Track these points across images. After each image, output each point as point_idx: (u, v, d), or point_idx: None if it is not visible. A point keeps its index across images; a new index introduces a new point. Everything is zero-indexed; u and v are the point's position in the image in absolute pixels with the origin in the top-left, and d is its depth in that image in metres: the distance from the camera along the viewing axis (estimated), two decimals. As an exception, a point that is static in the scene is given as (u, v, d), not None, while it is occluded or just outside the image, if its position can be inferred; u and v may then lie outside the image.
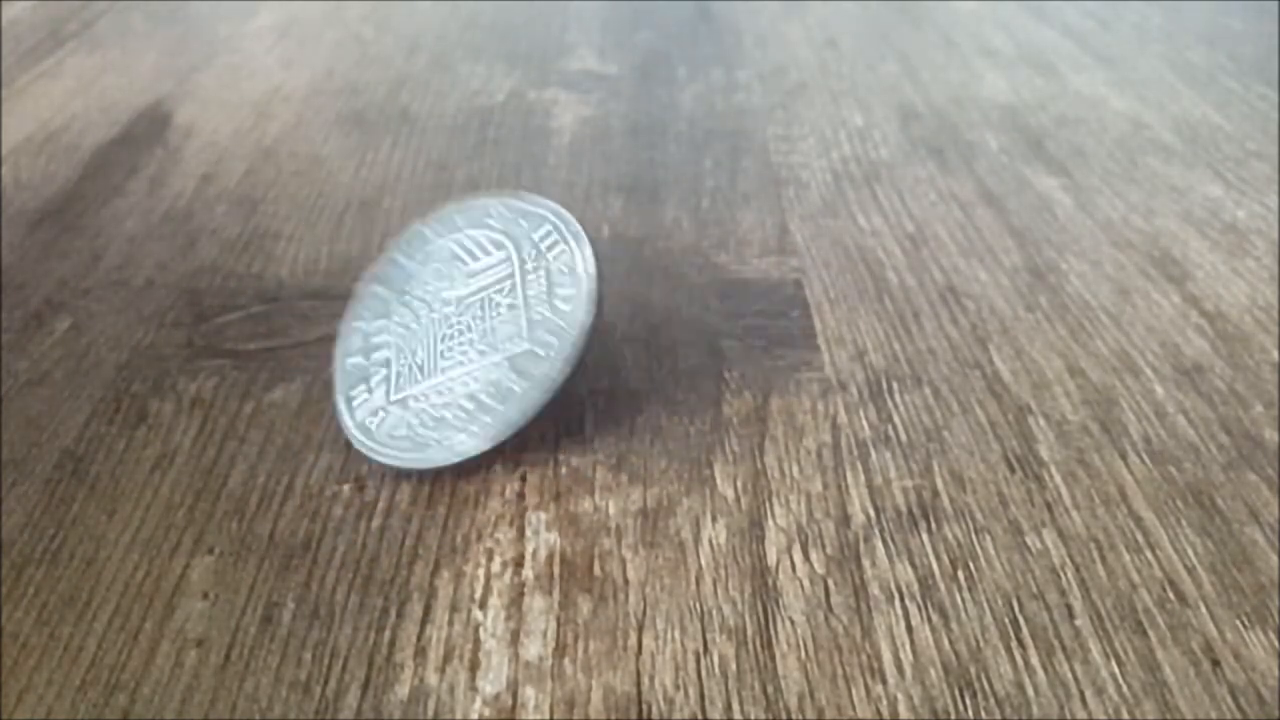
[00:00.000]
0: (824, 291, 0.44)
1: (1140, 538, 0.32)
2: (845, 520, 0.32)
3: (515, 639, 0.29)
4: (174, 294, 0.44)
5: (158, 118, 0.60)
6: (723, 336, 0.41)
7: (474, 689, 0.27)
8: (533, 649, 0.28)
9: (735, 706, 0.27)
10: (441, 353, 0.36)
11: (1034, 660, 0.28)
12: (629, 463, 0.35)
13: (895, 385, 0.38)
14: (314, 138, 0.58)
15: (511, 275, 0.37)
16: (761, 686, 0.27)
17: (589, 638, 0.29)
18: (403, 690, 0.27)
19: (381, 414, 0.35)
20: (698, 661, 0.28)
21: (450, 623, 0.29)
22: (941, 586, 0.30)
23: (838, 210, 0.50)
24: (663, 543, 0.32)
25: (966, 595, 0.30)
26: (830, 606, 0.29)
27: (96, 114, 0.61)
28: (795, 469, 0.34)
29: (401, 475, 0.34)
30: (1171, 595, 0.30)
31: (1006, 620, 0.29)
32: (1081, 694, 0.27)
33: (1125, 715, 0.27)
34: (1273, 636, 0.29)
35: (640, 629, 0.29)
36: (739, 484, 0.34)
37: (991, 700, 0.27)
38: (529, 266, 0.37)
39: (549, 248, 0.37)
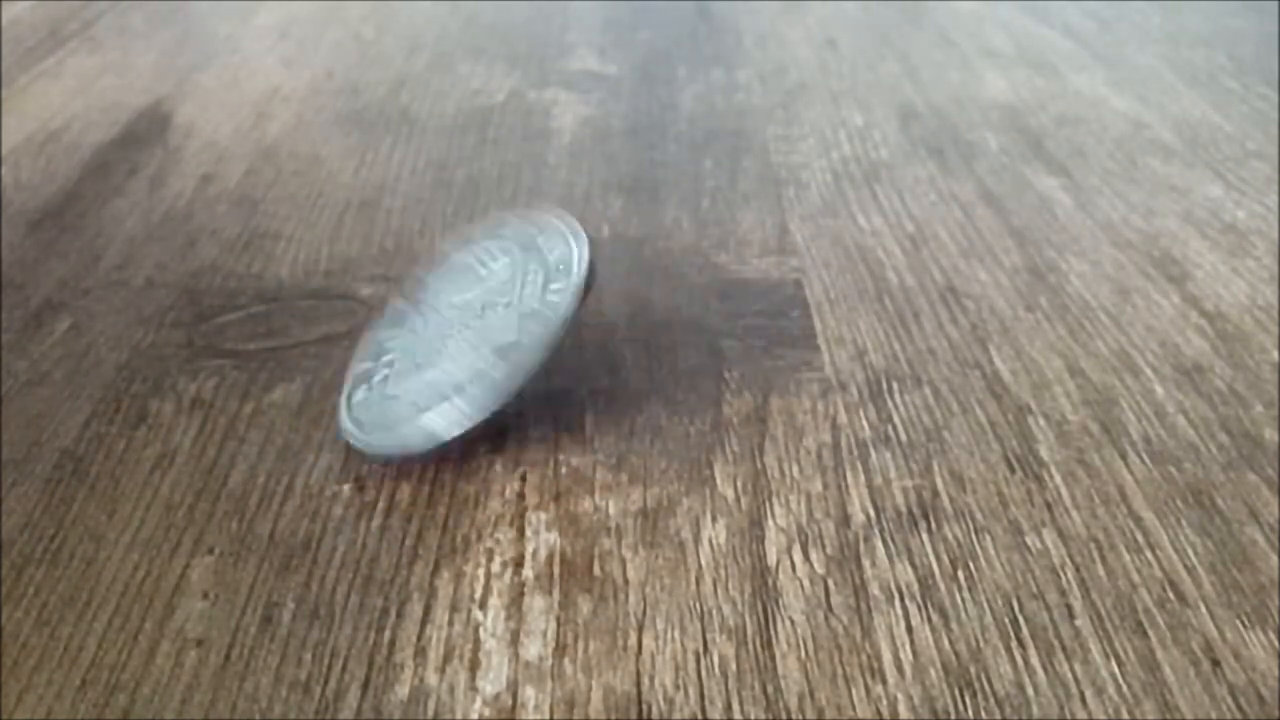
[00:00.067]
0: (824, 291, 0.44)
1: (1140, 538, 0.32)
2: (845, 520, 0.32)
3: (515, 639, 0.29)
4: (174, 294, 0.44)
5: (158, 118, 0.60)
6: (723, 336, 0.41)
7: (474, 689, 0.27)
8: (533, 649, 0.28)
9: (735, 706, 0.27)
10: (438, 350, 0.36)
11: (1034, 660, 0.28)
12: (629, 463, 0.35)
13: (895, 385, 0.38)
14: (314, 138, 0.58)
15: (513, 278, 0.38)
16: (761, 686, 0.27)
17: (589, 638, 0.29)
18: (403, 690, 0.27)
19: (370, 406, 0.35)
20: (698, 661, 0.28)
21: (450, 623, 0.29)
22: (941, 586, 0.30)
23: (838, 210, 0.50)
24: (663, 543, 0.32)
25: (966, 595, 0.30)
26: (830, 606, 0.29)
27: (96, 114, 0.61)
28: (795, 469, 0.34)
29: (401, 475, 0.34)
30: (1171, 595, 0.30)
31: (1006, 620, 0.29)
32: (1081, 694, 0.27)
33: (1125, 715, 0.27)
34: (1273, 636, 0.29)
35: (640, 629, 0.29)
36: (739, 484, 0.34)
37: (991, 700, 0.27)
38: (531, 268, 0.37)
39: (551, 249, 0.37)
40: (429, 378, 0.35)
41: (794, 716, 0.26)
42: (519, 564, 0.31)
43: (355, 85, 0.65)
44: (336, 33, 0.74)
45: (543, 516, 0.33)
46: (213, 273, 0.45)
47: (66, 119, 0.60)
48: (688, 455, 0.35)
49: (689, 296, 0.43)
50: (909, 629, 0.29)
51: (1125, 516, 0.33)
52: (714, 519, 0.32)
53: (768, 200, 0.51)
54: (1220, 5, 0.80)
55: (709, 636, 0.29)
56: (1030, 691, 0.27)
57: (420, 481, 0.34)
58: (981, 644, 0.28)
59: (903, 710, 0.27)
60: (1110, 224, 0.49)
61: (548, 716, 0.26)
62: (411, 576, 0.30)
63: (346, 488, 0.34)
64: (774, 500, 0.33)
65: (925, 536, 0.32)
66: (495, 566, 0.31)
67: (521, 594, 0.30)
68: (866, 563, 0.31)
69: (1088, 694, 0.27)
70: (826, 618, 0.29)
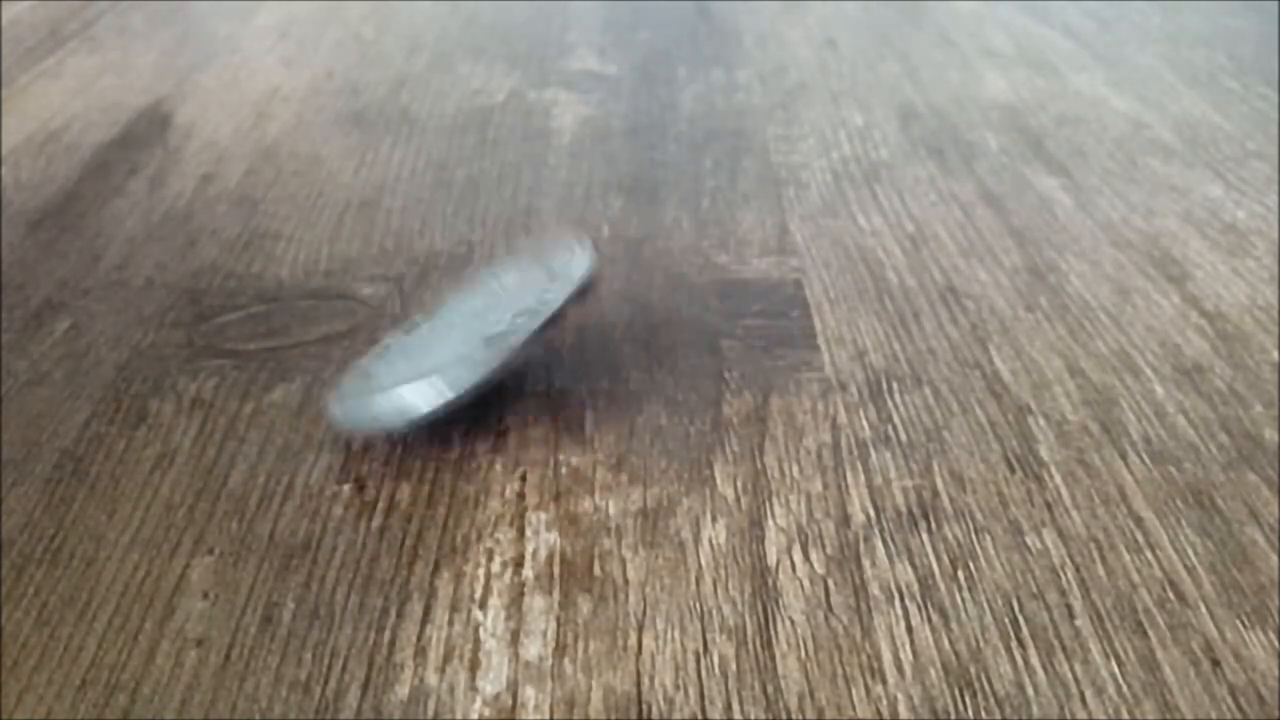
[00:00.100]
0: (824, 291, 0.44)
1: (1140, 538, 0.32)
2: (845, 520, 0.32)
3: (515, 639, 0.29)
4: (174, 294, 0.44)
5: (158, 118, 0.60)
6: (723, 336, 0.41)
7: (474, 689, 0.27)
8: (533, 649, 0.28)
9: (735, 706, 0.27)
10: (432, 342, 0.37)
11: (1034, 660, 0.28)
12: (629, 463, 0.35)
13: (895, 385, 0.38)
14: (314, 138, 0.58)
15: (520, 285, 0.38)
16: (761, 686, 0.27)
17: (589, 638, 0.29)
18: (403, 690, 0.27)
19: (354, 382, 0.36)
20: (698, 661, 0.28)
21: (450, 623, 0.29)
22: (941, 586, 0.30)
23: (838, 210, 0.50)
24: (663, 543, 0.32)
25: (966, 595, 0.30)
26: (830, 606, 0.29)
27: (96, 114, 0.61)
28: (795, 469, 0.34)
29: (401, 475, 0.34)
30: (1171, 595, 0.30)
31: (1006, 620, 0.29)
32: (1081, 694, 0.27)
33: (1125, 715, 0.27)
34: (1273, 636, 0.29)
35: (640, 629, 0.29)
36: (739, 484, 0.34)
37: (991, 700, 0.27)
38: (535, 275, 0.38)
39: (556, 259, 0.39)
40: (415, 361, 0.36)
41: (794, 716, 0.26)
42: (519, 564, 0.31)
43: (355, 85, 0.65)
44: (336, 33, 0.74)
45: (543, 516, 0.33)
46: (213, 273, 0.45)
47: (66, 119, 0.60)
48: (688, 455, 0.35)
49: (689, 296, 0.43)
50: (909, 629, 0.29)
51: (1125, 516, 0.33)
52: (714, 519, 0.32)
53: (768, 200, 0.51)
54: (1220, 5, 0.80)
55: (709, 636, 0.29)
56: (1030, 691, 0.27)
57: (420, 481, 0.34)
58: (981, 644, 0.28)
59: (903, 710, 0.27)
60: (1110, 224, 0.49)
61: (548, 716, 0.26)
62: (411, 576, 0.30)
63: (346, 488, 0.34)
64: (774, 500, 0.33)
65: (925, 536, 0.32)
66: (495, 566, 0.31)
67: (521, 594, 0.30)
68: (866, 563, 0.31)
69: (1088, 694, 0.27)
70: (826, 618, 0.29)
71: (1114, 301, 0.43)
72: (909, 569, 0.31)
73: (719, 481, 0.34)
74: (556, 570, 0.31)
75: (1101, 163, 0.55)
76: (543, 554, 0.31)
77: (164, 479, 0.34)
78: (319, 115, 0.61)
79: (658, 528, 0.32)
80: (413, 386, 0.34)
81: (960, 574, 0.30)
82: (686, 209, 0.50)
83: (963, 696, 0.27)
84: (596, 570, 0.31)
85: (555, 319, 0.36)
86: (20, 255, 0.47)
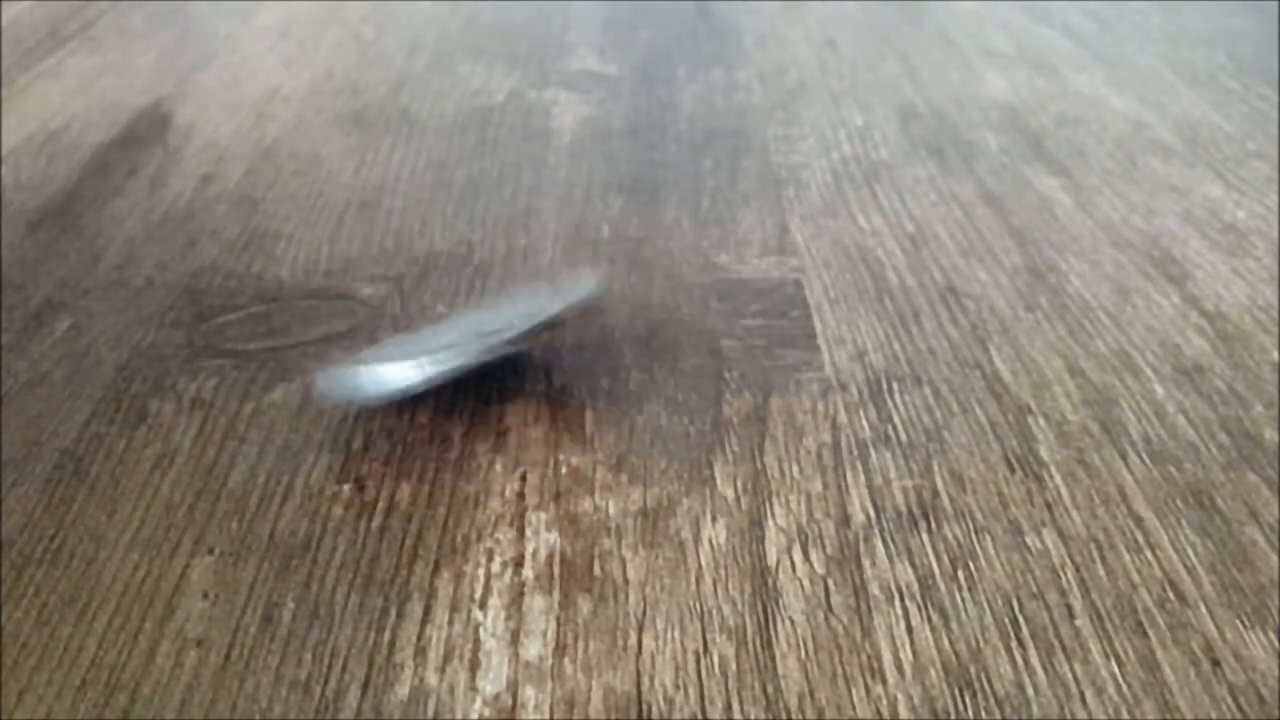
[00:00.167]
0: (824, 291, 0.44)
1: (1140, 538, 0.32)
2: (845, 520, 0.32)
3: (515, 639, 0.29)
4: (174, 294, 0.44)
5: (158, 118, 0.60)
6: (723, 336, 0.41)
7: (474, 689, 0.27)
8: (533, 649, 0.28)
9: (735, 706, 0.27)
10: (429, 336, 0.37)
11: (1034, 660, 0.28)
12: (629, 463, 0.35)
13: (895, 385, 0.38)
14: (314, 138, 0.58)
15: (530, 301, 0.39)
16: (761, 686, 0.27)
17: (589, 638, 0.29)
18: (403, 690, 0.27)
19: (347, 365, 0.36)
20: (698, 661, 0.28)
21: (450, 623, 0.29)
22: (941, 586, 0.30)
23: (838, 210, 0.50)
24: (663, 543, 0.32)
25: (966, 595, 0.30)
26: (830, 606, 0.29)
27: (96, 114, 0.61)
28: (795, 469, 0.34)
29: (401, 475, 0.34)
30: (1171, 595, 0.30)
31: (1006, 620, 0.29)
32: (1081, 694, 0.27)
33: (1125, 715, 0.27)
34: (1273, 636, 0.29)
35: (640, 629, 0.29)
36: (739, 484, 0.34)
37: (991, 700, 0.27)
38: (545, 294, 0.39)
39: (569, 283, 0.40)
40: (406, 348, 0.36)
41: (794, 716, 0.26)
42: (519, 564, 0.31)
43: (355, 85, 0.65)
44: (336, 33, 0.74)
45: (543, 516, 0.33)
46: (213, 273, 0.45)
47: (66, 119, 0.60)
48: (688, 455, 0.35)
49: (689, 296, 0.43)
50: (909, 629, 0.29)
51: (1125, 516, 0.33)
52: (714, 519, 0.32)
53: (768, 200, 0.51)
54: (1220, 5, 0.80)
55: (709, 636, 0.29)
56: (1030, 691, 0.27)
57: (420, 481, 0.34)
58: (981, 644, 0.28)
59: (903, 710, 0.27)
60: (1110, 224, 0.49)
61: (548, 716, 0.26)
62: (411, 576, 0.30)
63: (346, 488, 0.34)
64: (774, 500, 0.33)
65: (925, 536, 0.32)
66: (495, 566, 0.31)
67: (521, 594, 0.30)
68: (866, 563, 0.31)
69: (1088, 694, 0.27)
70: (826, 618, 0.29)
71: (1114, 301, 0.43)
72: (909, 569, 0.31)
73: (719, 481, 0.34)
74: (556, 570, 0.31)
75: (1101, 163, 0.55)
76: (543, 554, 0.31)
77: (164, 479, 0.34)
78: (319, 115, 0.61)
79: (658, 528, 0.32)
80: (396, 365, 0.34)
81: (960, 574, 0.30)
82: (686, 209, 0.50)
83: (963, 696, 0.27)
84: (596, 570, 0.31)
85: (553, 323, 0.36)
86: (20, 255, 0.47)
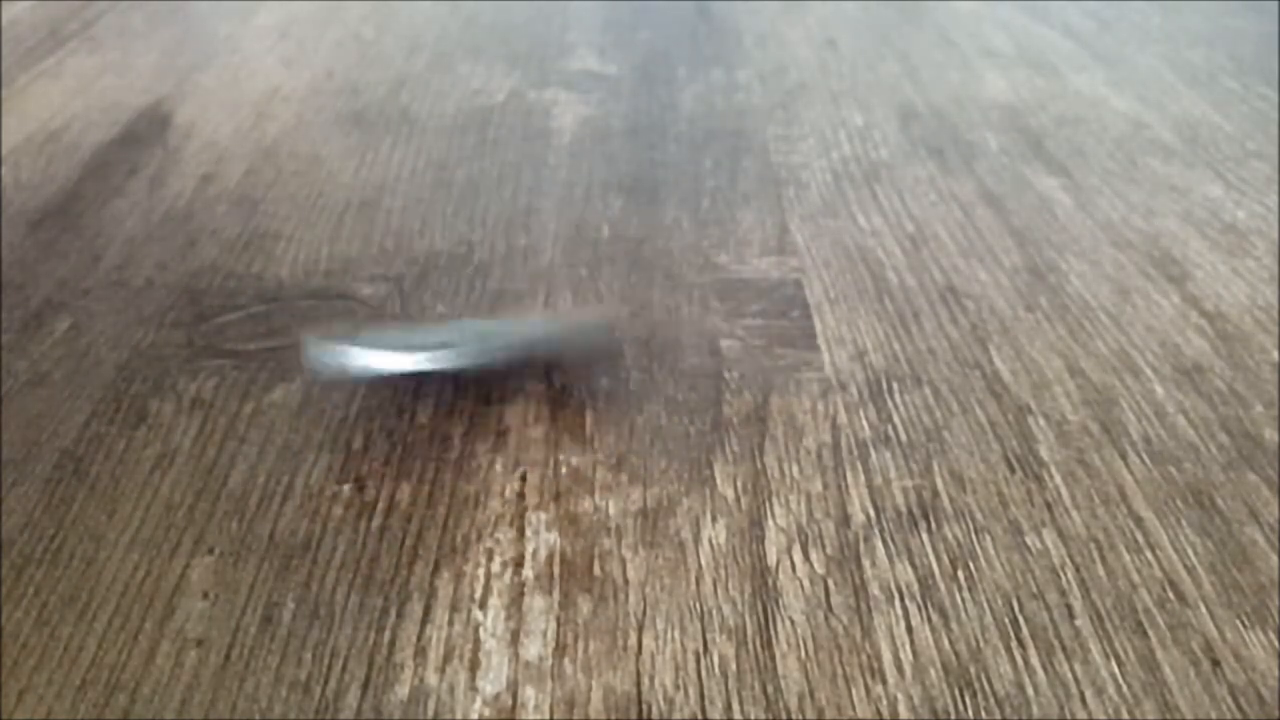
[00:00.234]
0: (824, 291, 0.44)
1: (1140, 538, 0.32)
2: (845, 520, 0.32)
3: (515, 639, 0.29)
4: (174, 294, 0.44)
5: (158, 118, 0.60)
6: (723, 336, 0.41)
7: (474, 689, 0.27)
8: (533, 649, 0.28)
9: (735, 706, 0.27)
10: (430, 334, 0.37)
11: (1034, 660, 0.28)
12: (629, 463, 0.35)
13: (895, 385, 0.38)
14: (314, 138, 0.58)
15: (538, 328, 0.39)
16: (761, 686, 0.27)
17: (589, 638, 0.29)
18: (403, 690, 0.27)
19: (339, 338, 0.36)
20: (698, 661, 0.28)
21: (450, 623, 0.29)
22: (941, 586, 0.30)
23: (838, 210, 0.50)
24: (663, 543, 0.32)
25: (966, 595, 0.30)
26: (830, 606, 0.29)
27: (96, 114, 0.61)
28: (795, 469, 0.34)
29: (401, 475, 0.34)
30: (1171, 595, 0.30)
31: (1006, 620, 0.29)
32: (1081, 694, 0.27)
33: (1125, 715, 0.27)
34: (1273, 636, 0.29)
35: (640, 629, 0.29)
36: (739, 484, 0.34)
37: (991, 700, 0.27)
38: (555, 328, 0.39)
39: (579, 314, 0.40)
40: (404, 338, 0.36)
41: (794, 716, 0.26)
42: (519, 564, 0.31)
43: (355, 85, 0.65)
44: (336, 33, 0.74)
45: (543, 516, 0.33)
46: (213, 273, 0.45)
47: (66, 119, 0.60)
48: (688, 455, 0.35)
49: (689, 296, 0.43)
50: (909, 629, 0.29)
51: (1125, 516, 0.33)
52: (714, 519, 0.32)
53: (768, 200, 0.51)
54: (1220, 5, 0.80)
55: (709, 636, 0.29)
56: (1030, 691, 0.27)
57: (420, 481, 0.34)
58: (981, 644, 0.28)
59: (903, 710, 0.27)
60: (1110, 224, 0.49)
61: (548, 716, 0.26)
62: (411, 576, 0.30)
63: (346, 488, 0.34)
64: (774, 500, 0.33)
65: (925, 536, 0.32)
66: (495, 566, 0.31)
67: (521, 594, 0.30)
68: (866, 563, 0.31)
69: (1088, 694, 0.27)
70: (826, 618, 0.29)
71: (1114, 301, 0.43)
72: (909, 569, 0.31)
73: (719, 481, 0.34)
74: (556, 570, 0.31)
75: (1101, 163, 0.55)
76: (543, 554, 0.31)
77: (164, 479, 0.34)
78: (319, 115, 0.61)
79: (658, 528, 0.32)
80: (389, 355, 0.34)
81: (960, 574, 0.30)
82: (686, 209, 0.50)
83: (963, 696, 0.27)
84: (596, 570, 0.31)
85: (553, 348, 0.36)
86: (20, 255, 0.47)
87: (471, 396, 0.37)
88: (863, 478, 0.34)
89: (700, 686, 0.27)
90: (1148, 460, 0.35)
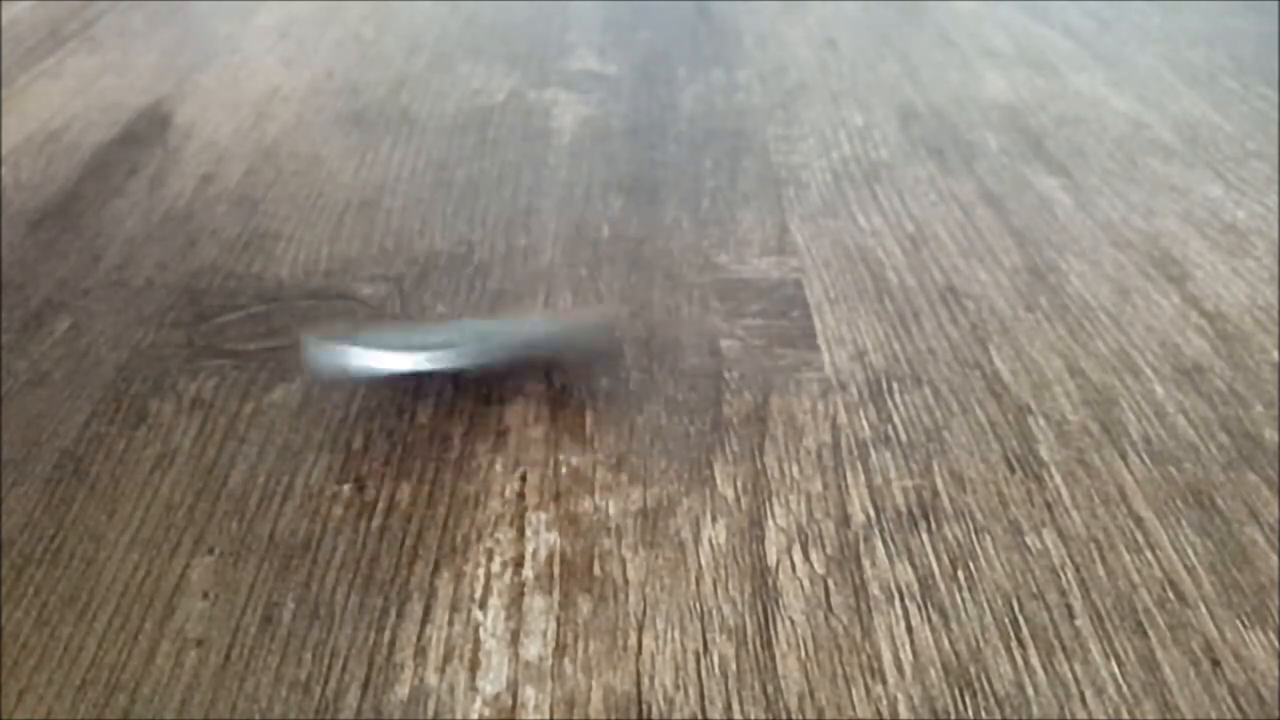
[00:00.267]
0: (824, 291, 0.44)
1: (1140, 538, 0.32)
2: (845, 520, 0.32)
3: (515, 639, 0.29)
4: (174, 294, 0.44)
5: (158, 118, 0.60)
6: (723, 336, 0.41)
7: (474, 689, 0.27)
8: (533, 649, 0.28)
9: (735, 706, 0.27)
10: (431, 332, 0.37)
11: (1034, 660, 0.28)
12: (629, 463, 0.35)
13: (895, 385, 0.38)
14: (314, 138, 0.58)
15: (538, 329, 0.39)
16: (761, 686, 0.27)
17: (589, 638, 0.29)
18: (403, 690, 0.27)
19: (340, 337, 0.36)
20: (698, 661, 0.28)
21: (450, 623, 0.29)
22: (941, 586, 0.30)
23: (838, 210, 0.50)
24: (663, 543, 0.32)
25: (966, 595, 0.30)
26: (830, 606, 0.29)
27: (96, 114, 0.61)
28: (795, 469, 0.34)
29: (401, 475, 0.34)
30: (1171, 595, 0.30)
31: (1006, 620, 0.29)
32: (1081, 694, 0.27)
33: (1125, 715, 0.27)
34: (1273, 636, 0.29)
35: (640, 629, 0.29)
36: (739, 484, 0.34)
37: (991, 700, 0.27)
38: (555, 329, 0.39)
39: (579, 314, 0.39)
40: (404, 336, 0.36)
41: (794, 716, 0.26)
42: (519, 564, 0.31)
43: (355, 85, 0.65)
44: (336, 33, 0.74)
45: (543, 516, 0.33)
46: (213, 273, 0.45)
47: (66, 119, 0.60)
48: (688, 455, 0.35)
49: (689, 296, 0.43)
50: (909, 629, 0.29)
51: (1125, 516, 0.33)
52: (714, 519, 0.32)
53: (768, 200, 0.51)
54: (1220, 5, 0.80)
55: (709, 636, 0.29)
56: (1030, 691, 0.27)
57: (420, 481, 0.34)
58: (981, 644, 0.28)
59: (903, 710, 0.27)
60: (1110, 224, 0.49)
61: (548, 716, 0.26)
62: (411, 576, 0.30)
63: (346, 488, 0.34)
64: (774, 500, 0.33)
65: (925, 536, 0.32)
66: (495, 566, 0.31)
67: (521, 594, 0.30)
68: (866, 563, 0.31)
69: (1088, 694, 0.27)
70: (826, 618, 0.29)
71: (1114, 301, 0.43)
72: (909, 569, 0.31)
73: (719, 481, 0.34)
74: (556, 570, 0.31)
75: (1101, 163, 0.55)
76: (543, 554, 0.31)
77: (164, 479, 0.34)
78: (319, 115, 0.61)
79: (658, 528, 0.32)
80: (389, 356, 0.34)
81: (960, 574, 0.30)
82: (686, 209, 0.50)
83: (963, 696, 0.27)
84: (596, 570, 0.31)
85: (553, 347, 0.36)
86: (20, 255, 0.47)
87: (471, 396, 0.37)
88: (863, 478, 0.34)
89: (700, 686, 0.27)
90: (1148, 460, 0.35)
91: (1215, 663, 0.28)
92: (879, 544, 0.31)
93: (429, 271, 0.45)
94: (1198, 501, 0.33)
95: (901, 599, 0.30)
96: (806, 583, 0.30)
